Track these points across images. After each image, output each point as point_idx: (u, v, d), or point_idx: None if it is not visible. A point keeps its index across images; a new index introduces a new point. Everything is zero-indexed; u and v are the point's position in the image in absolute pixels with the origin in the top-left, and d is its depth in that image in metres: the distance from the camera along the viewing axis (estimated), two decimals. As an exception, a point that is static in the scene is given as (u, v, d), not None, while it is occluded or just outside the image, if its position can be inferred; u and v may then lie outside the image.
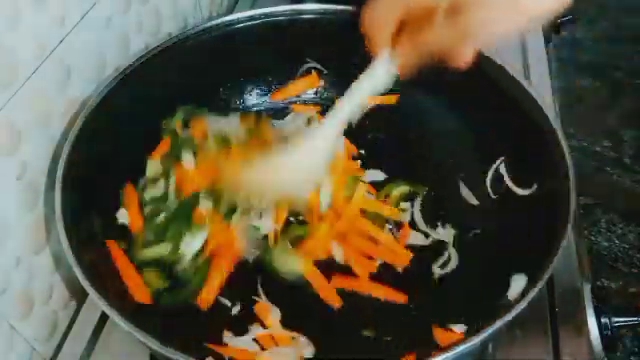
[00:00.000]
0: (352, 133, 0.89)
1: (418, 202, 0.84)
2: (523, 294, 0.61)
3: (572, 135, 2.09)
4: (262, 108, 0.95)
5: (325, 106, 0.93)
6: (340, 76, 0.94)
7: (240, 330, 0.71)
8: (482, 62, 0.81)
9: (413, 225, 0.81)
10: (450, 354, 0.56)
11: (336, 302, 0.73)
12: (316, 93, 0.95)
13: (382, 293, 0.74)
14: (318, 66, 0.94)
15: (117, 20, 0.82)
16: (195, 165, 0.80)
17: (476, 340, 0.57)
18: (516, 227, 0.76)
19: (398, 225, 0.81)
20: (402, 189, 0.84)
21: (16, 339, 0.69)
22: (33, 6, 0.65)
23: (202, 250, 0.74)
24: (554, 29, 1.20)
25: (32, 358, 0.72)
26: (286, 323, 0.71)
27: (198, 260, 0.74)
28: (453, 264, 0.77)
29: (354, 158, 0.88)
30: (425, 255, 0.78)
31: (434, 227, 0.81)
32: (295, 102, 0.96)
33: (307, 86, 0.96)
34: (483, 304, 0.70)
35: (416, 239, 0.80)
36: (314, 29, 0.89)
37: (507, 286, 0.69)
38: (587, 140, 2.11)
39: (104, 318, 0.75)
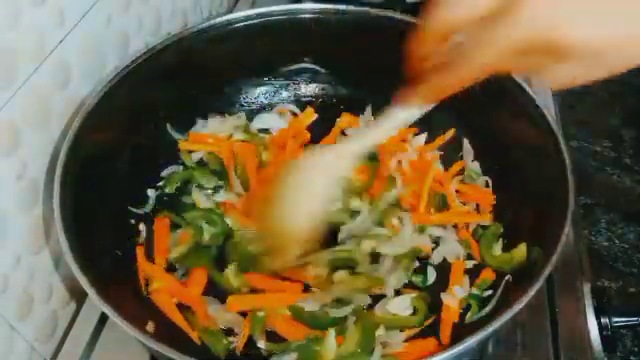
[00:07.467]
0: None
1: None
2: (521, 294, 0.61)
3: (572, 135, 2.08)
4: (261, 107, 0.95)
5: (323, 106, 0.93)
6: (337, 76, 0.94)
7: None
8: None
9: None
10: (449, 353, 0.56)
11: None
12: (314, 93, 0.95)
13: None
14: (315, 66, 0.94)
15: (117, 20, 0.82)
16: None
17: (474, 339, 0.57)
18: (515, 226, 0.76)
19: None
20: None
21: (16, 339, 0.69)
22: (33, 6, 0.65)
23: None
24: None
25: (32, 358, 0.72)
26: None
27: None
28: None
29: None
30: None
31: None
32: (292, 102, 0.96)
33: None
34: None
35: (419, 239, 0.80)
36: (313, 29, 0.89)
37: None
38: (587, 140, 2.11)
39: (104, 318, 0.75)
